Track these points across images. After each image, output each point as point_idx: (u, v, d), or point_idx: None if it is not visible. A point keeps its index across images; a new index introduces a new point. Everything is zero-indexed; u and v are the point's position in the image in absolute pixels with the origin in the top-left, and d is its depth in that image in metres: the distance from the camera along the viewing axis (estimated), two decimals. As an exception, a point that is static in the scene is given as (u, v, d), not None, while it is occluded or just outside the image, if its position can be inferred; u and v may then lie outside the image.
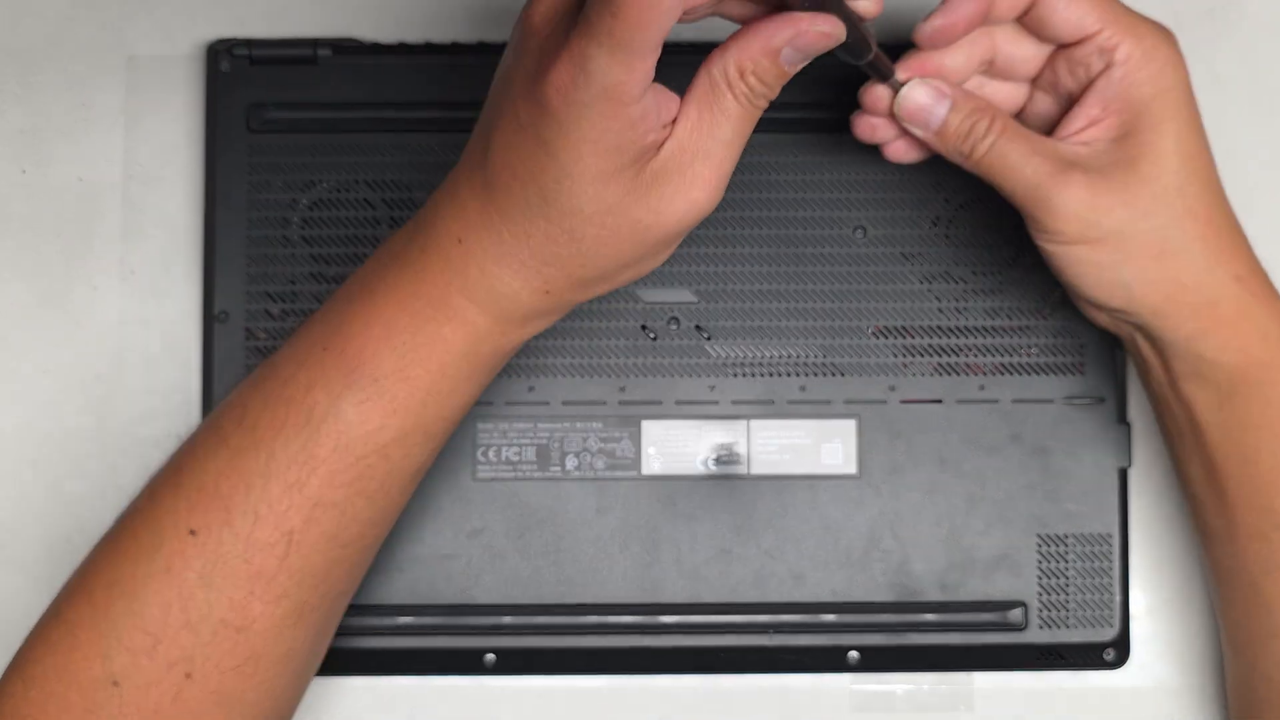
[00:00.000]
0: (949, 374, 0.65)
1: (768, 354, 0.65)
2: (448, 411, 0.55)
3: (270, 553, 0.53)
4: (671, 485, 0.65)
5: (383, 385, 0.53)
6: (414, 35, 0.67)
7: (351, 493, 0.54)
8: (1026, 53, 0.58)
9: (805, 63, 0.50)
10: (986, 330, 0.65)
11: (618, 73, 0.46)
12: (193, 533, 0.53)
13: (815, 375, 0.65)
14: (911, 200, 0.65)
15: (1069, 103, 0.58)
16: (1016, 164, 0.55)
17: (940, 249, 0.65)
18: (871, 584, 0.65)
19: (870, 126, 0.58)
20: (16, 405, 0.67)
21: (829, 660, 0.65)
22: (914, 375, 0.65)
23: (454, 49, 0.66)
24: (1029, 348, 0.65)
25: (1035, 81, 0.59)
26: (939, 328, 0.65)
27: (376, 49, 0.67)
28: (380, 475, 0.54)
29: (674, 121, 0.50)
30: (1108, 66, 0.56)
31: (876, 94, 0.56)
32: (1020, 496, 0.65)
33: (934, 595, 0.65)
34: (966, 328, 0.65)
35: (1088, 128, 0.56)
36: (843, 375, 0.65)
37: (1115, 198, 0.55)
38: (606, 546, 0.65)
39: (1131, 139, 0.56)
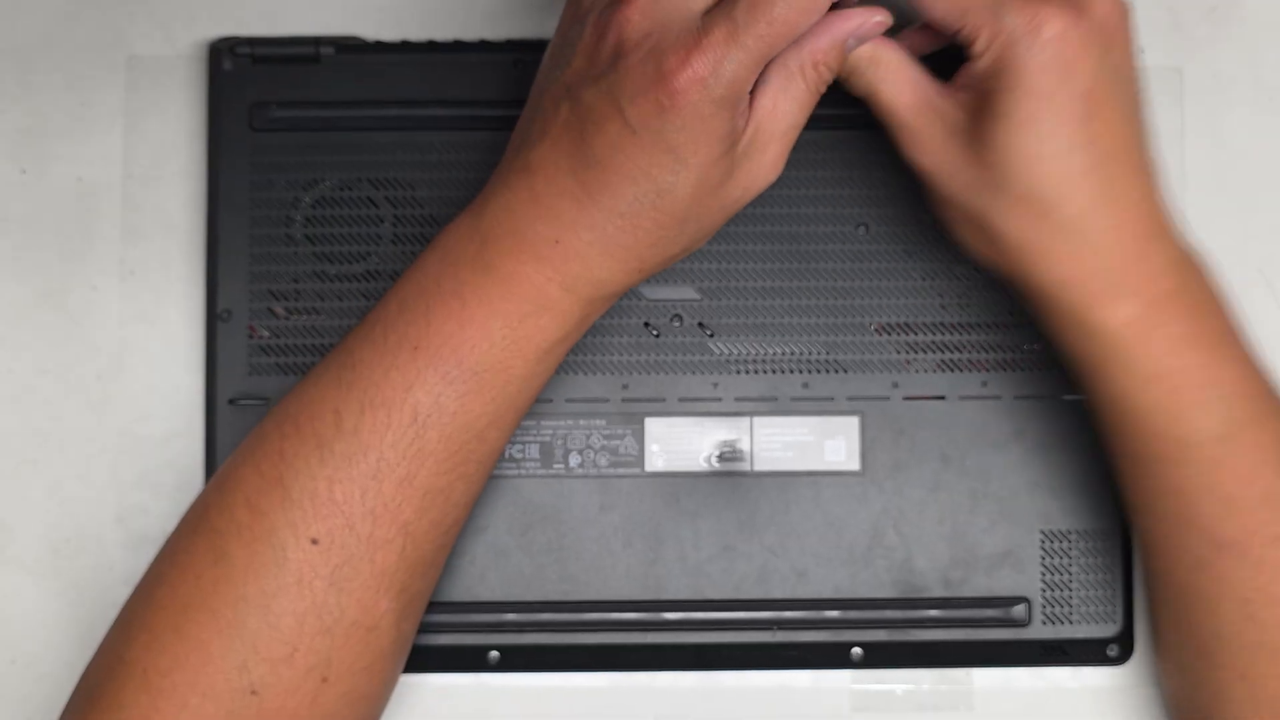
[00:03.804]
0: (952, 370, 0.65)
1: (771, 351, 0.65)
2: (537, 390, 0.57)
3: (390, 548, 0.55)
4: (675, 482, 0.65)
5: (483, 378, 0.55)
6: (417, 34, 0.67)
7: (454, 478, 0.55)
8: None
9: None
10: (989, 326, 0.65)
11: (746, 74, 0.52)
12: (315, 541, 0.54)
13: (818, 372, 0.65)
14: (914, 197, 0.65)
15: None
16: (882, 111, 0.58)
17: (942, 246, 0.65)
18: (875, 580, 0.65)
19: None
20: (16, 405, 0.67)
21: (832, 657, 0.65)
22: (917, 372, 0.65)
23: (457, 47, 0.67)
24: (1032, 344, 0.65)
25: None
26: (942, 324, 0.65)
27: (379, 47, 0.67)
28: (478, 457, 0.56)
29: (751, 105, 0.54)
30: (969, 58, 0.56)
31: None
32: (1023, 492, 0.65)
33: (937, 591, 0.65)
34: (969, 324, 0.65)
35: (960, 90, 0.57)
36: (845, 372, 0.65)
37: (947, 171, 0.57)
38: (610, 544, 0.65)
39: (981, 119, 0.55)
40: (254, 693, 0.54)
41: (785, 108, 0.55)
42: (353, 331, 0.57)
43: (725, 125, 0.53)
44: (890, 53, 0.57)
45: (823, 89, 0.55)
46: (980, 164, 0.55)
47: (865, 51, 0.56)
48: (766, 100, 0.54)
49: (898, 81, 0.57)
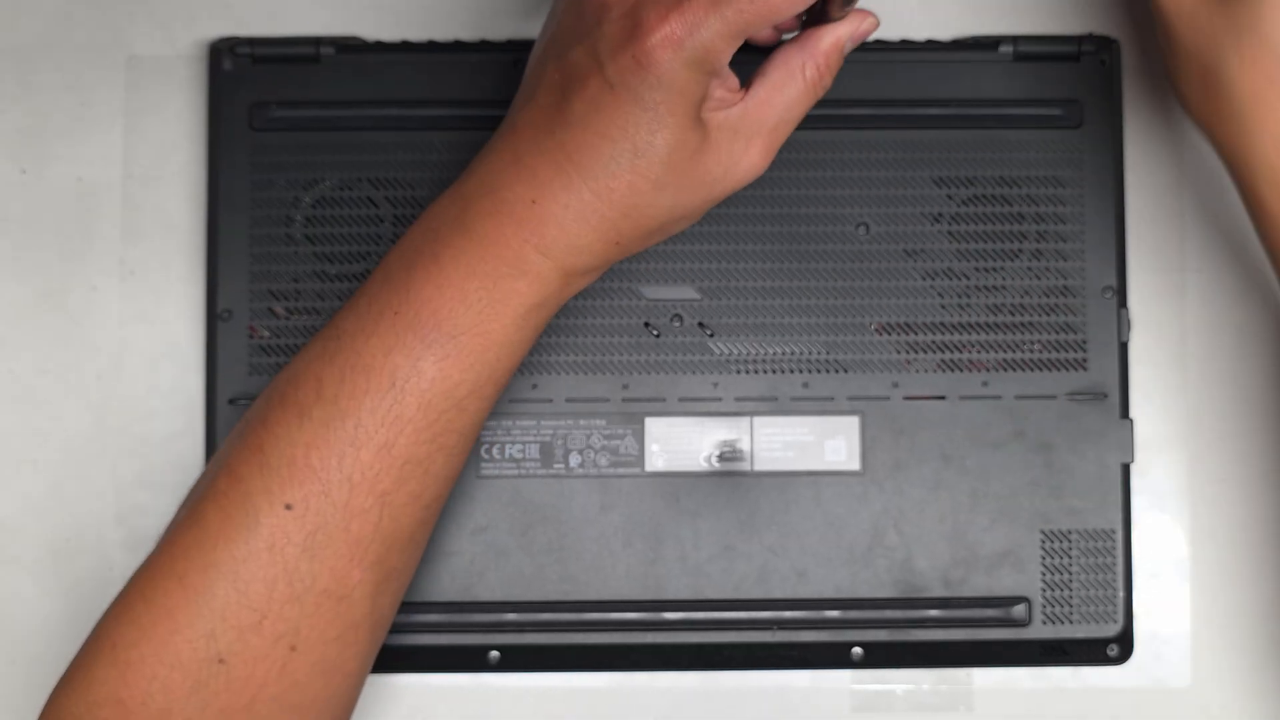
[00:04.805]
0: (952, 370, 0.65)
1: (771, 351, 0.65)
2: (515, 361, 0.57)
3: (366, 518, 0.54)
4: (675, 482, 0.65)
5: (460, 342, 0.55)
6: (416, 33, 0.67)
7: (433, 449, 0.55)
8: None
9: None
10: (989, 326, 0.65)
11: (722, 44, 0.52)
12: (289, 507, 0.54)
13: (818, 372, 0.65)
14: (914, 197, 0.65)
15: None
16: None
17: (943, 245, 0.66)
18: (875, 580, 0.65)
19: None
20: (16, 405, 0.67)
21: (833, 656, 0.65)
22: (917, 372, 0.65)
23: (456, 47, 0.67)
24: (1032, 344, 0.65)
25: None
26: (942, 324, 0.65)
27: (379, 47, 0.67)
28: (458, 428, 0.56)
29: (746, 92, 0.55)
30: None
31: None
32: (1023, 492, 0.65)
33: (938, 591, 0.65)
34: (969, 324, 0.65)
35: None
36: (846, 372, 0.65)
37: (1187, 9, 0.57)
38: (610, 543, 0.65)
39: None
40: (221, 661, 0.53)
41: (779, 102, 0.55)
42: (342, 307, 0.57)
43: (699, 90, 0.53)
44: None
45: (820, 92, 0.56)
46: (1222, 5, 0.56)
47: None
48: (762, 91, 0.55)
49: None
